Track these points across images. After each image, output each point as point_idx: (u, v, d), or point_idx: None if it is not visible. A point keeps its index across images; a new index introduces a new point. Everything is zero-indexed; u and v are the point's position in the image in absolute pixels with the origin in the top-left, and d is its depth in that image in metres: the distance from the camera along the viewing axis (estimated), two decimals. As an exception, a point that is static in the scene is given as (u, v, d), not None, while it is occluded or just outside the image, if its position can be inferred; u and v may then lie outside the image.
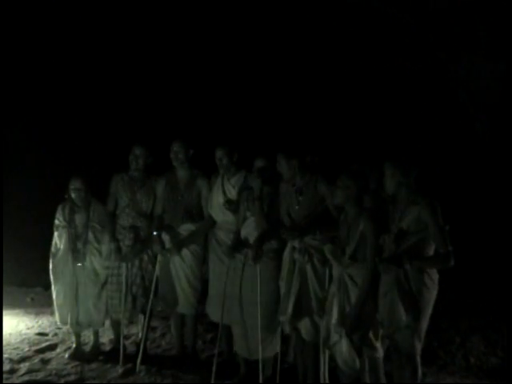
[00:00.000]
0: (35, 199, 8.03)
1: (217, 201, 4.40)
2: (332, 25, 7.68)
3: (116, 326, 4.73)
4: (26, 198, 7.95)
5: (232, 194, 4.37)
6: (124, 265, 4.56)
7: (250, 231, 4.16)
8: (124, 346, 4.63)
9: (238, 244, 4.20)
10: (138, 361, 4.44)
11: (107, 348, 4.90)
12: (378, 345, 3.59)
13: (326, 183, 3.92)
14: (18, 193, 7.61)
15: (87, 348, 4.84)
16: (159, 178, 4.69)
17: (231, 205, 4.27)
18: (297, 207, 3.98)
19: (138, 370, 4.41)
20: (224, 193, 4.39)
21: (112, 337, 4.94)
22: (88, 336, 4.95)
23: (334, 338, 3.61)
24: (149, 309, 4.55)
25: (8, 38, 7.56)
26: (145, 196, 4.66)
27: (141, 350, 4.50)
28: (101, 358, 4.69)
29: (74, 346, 4.78)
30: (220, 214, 4.39)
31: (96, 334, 4.83)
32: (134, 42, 8.18)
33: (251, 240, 4.13)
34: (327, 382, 3.84)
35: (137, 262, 4.62)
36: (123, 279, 4.55)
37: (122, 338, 4.60)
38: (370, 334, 3.56)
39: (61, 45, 8.03)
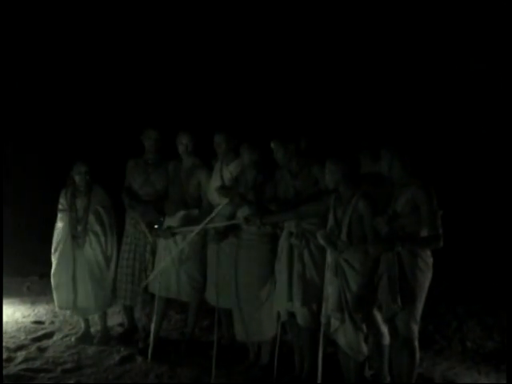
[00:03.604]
0: (30, 188, 8.01)
1: (214, 185, 4.39)
2: (332, 17, 7.66)
3: (128, 311, 4.85)
4: (20, 187, 7.92)
5: (229, 180, 4.36)
6: (134, 250, 4.65)
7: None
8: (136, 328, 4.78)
9: (230, 229, 4.19)
10: (150, 348, 4.41)
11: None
12: (385, 330, 3.59)
13: (320, 165, 3.87)
14: (12, 182, 7.58)
15: (95, 333, 4.85)
16: (171, 163, 4.74)
17: (225, 191, 4.26)
18: (293, 192, 3.97)
19: (149, 357, 4.39)
20: (222, 178, 4.37)
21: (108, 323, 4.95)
22: (95, 321, 4.95)
23: (335, 324, 3.61)
24: (159, 293, 4.54)
25: (8, 35, 7.53)
26: (158, 178, 4.71)
27: (153, 336, 4.48)
28: (95, 342, 4.71)
29: (82, 330, 4.81)
30: (217, 199, 4.38)
31: (103, 320, 4.84)
32: (134, 33, 8.15)
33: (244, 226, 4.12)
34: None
35: (148, 247, 4.67)
36: (137, 264, 4.65)
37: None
38: (378, 318, 3.56)
39: (62, 36, 8.00)
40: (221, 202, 4.29)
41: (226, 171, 4.38)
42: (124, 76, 8.24)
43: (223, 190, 4.26)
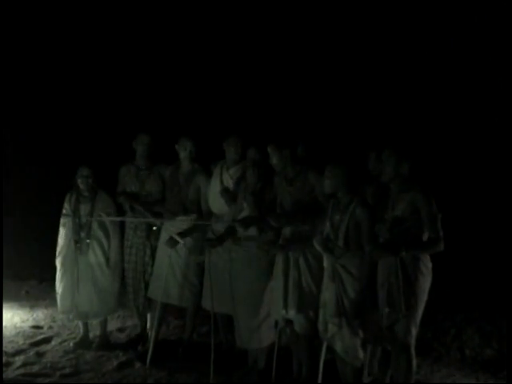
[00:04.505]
0: (30, 189, 8.01)
1: (214, 190, 4.40)
2: (330, 17, 7.68)
3: (142, 315, 4.83)
4: (19, 191, 7.92)
5: (229, 184, 4.37)
6: (135, 254, 4.67)
7: None
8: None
9: (226, 235, 4.18)
10: (149, 353, 4.41)
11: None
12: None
13: (316, 172, 3.88)
14: (11, 186, 7.58)
15: (94, 338, 4.85)
16: (167, 168, 4.73)
17: (227, 194, 4.28)
18: (289, 198, 3.97)
19: (148, 362, 4.38)
20: (221, 182, 4.39)
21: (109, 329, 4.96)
22: (93, 326, 4.96)
23: (333, 330, 3.61)
24: (160, 300, 4.54)
25: (8, 35, 7.55)
26: (153, 184, 4.72)
27: (152, 342, 4.48)
28: (94, 347, 4.70)
29: (80, 334, 4.81)
30: (216, 204, 4.40)
31: (104, 325, 4.84)
32: (135, 36, 8.17)
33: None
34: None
35: (148, 251, 4.68)
36: (139, 267, 4.67)
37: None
38: (382, 323, 3.55)
39: (62, 37, 8.02)
40: (222, 207, 4.31)
41: (226, 175, 4.40)
42: (124, 79, 8.27)
43: (226, 193, 4.28)
